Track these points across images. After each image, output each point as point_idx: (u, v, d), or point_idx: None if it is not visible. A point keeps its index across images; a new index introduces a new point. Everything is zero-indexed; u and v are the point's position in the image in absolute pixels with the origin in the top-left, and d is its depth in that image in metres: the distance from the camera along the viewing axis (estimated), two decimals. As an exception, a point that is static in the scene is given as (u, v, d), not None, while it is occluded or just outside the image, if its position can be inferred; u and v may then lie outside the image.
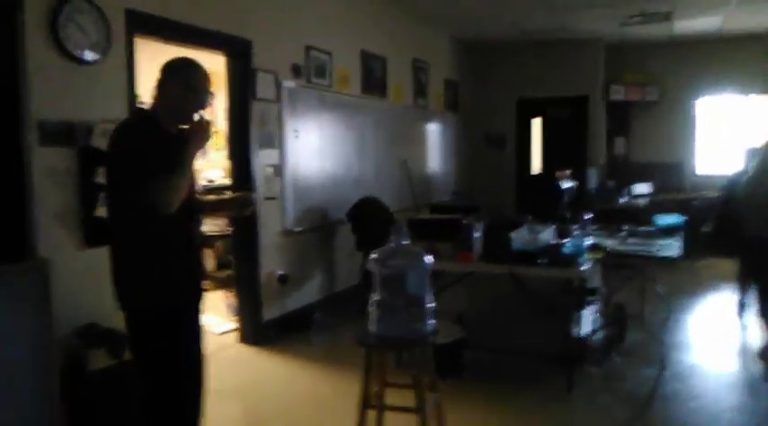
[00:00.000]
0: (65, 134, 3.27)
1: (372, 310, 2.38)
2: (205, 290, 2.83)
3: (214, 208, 2.96)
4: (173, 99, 2.47)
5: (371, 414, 2.55)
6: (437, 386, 2.46)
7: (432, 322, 2.39)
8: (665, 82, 8.78)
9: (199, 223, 2.75)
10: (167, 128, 2.52)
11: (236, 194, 3.24)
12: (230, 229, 5.08)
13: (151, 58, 3.28)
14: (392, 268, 2.37)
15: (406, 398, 2.33)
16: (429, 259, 2.41)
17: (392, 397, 2.53)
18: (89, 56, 3.40)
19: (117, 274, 2.50)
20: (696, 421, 3.31)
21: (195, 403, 2.77)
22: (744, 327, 4.96)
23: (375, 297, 2.37)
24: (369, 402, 2.40)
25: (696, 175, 8.82)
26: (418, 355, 2.37)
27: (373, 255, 2.38)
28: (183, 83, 2.45)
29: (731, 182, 4.63)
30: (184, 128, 2.67)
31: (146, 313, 2.50)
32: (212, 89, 2.55)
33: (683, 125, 8.84)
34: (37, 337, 2.69)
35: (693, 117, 8.83)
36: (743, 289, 5.14)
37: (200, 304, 2.77)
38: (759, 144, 4.32)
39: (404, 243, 2.41)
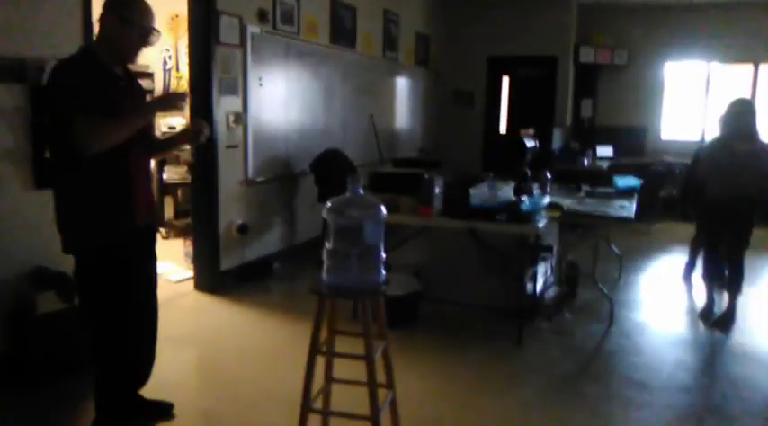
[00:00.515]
0: (15, 70, 3.15)
1: (326, 259, 2.38)
2: (158, 233, 2.80)
3: (168, 144, 2.89)
4: (111, 33, 2.40)
5: (322, 362, 2.59)
6: (385, 334, 2.50)
7: (384, 272, 2.41)
8: (635, 46, 8.82)
9: (148, 160, 2.71)
10: (109, 66, 2.45)
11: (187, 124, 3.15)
12: (190, 177, 5.00)
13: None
14: (347, 218, 2.37)
15: (357, 347, 2.37)
16: (383, 210, 2.41)
17: (345, 346, 2.57)
18: (40, -12, 3.25)
19: (58, 217, 2.47)
20: (637, 374, 3.45)
21: (145, 347, 2.77)
22: (690, 288, 5.15)
23: (328, 246, 2.37)
24: (318, 349, 2.43)
25: (660, 140, 8.95)
26: (369, 305, 2.40)
27: (328, 204, 2.37)
28: (120, 16, 2.38)
29: (699, 148, 4.71)
30: (130, 71, 2.61)
31: (88, 255, 2.47)
32: (154, 24, 2.47)
33: (649, 89, 8.92)
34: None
35: (661, 82, 8.91)
36: (694, 253, 5.30)
37: (150, 246, 2.74)
38: (722, 110, 4.38)
39: (359, 193, 2.41)
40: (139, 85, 2.73)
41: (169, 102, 2.68)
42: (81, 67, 2.39)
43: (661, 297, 4.93)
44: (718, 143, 4.35)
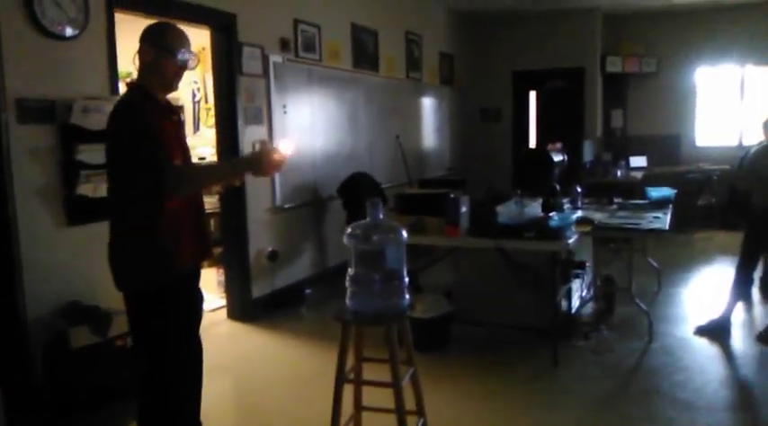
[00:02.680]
0: (44, 111, 3.24)
1: (349, 285, 2.36)
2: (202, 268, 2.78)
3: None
4: (152, 64, 2.38)
5: (351, 389, 2.56)
6: (413, 360, 2.46)
7: (407, 296, 2.37)
8: (663, 52, 8.66)
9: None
10: (157, 98, 2.42)
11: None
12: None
13: (134, 34, 3.22)
14: (368, 243, 2.35)
15: (387, 373, 2.33)
16: (405, 233, 2.39)
17: (375, 372, 2.54)
18: (67, 31, 3.35)
19: (119, 253, 2.38)
20: (681, 393, 3.31)
21: (197, 381, 2.70)
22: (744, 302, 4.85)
23: (351, 272, 2.35)
24: (346, 376, 2.40)
25: (696, 147, 8.74)
26: (395, 329, 2.36)
27: (348, 230, 2.36)
28: (157, 45, 2.37)
29: (745, 154, 4.51)
30: (171, 105, 2.59)
31: (150, 290, 2.38)
32: (190, 49, 2.44)
33: (681, 96, 8.73)
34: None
35: (693, 88, 8.71)
36: (748, 263, 4.95)
37: (198, 282, 2.68)
38: (764, 116, 4.22)
39: (379, 217, 2.39)
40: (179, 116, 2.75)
41: (265, 165, 2.39)
42: (142, 106, 2.35)
43: (703, 311, 4.75)
44: (761, 151, 4.18)
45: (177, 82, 2.49)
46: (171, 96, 2.63)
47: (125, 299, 2.47)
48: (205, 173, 2.36)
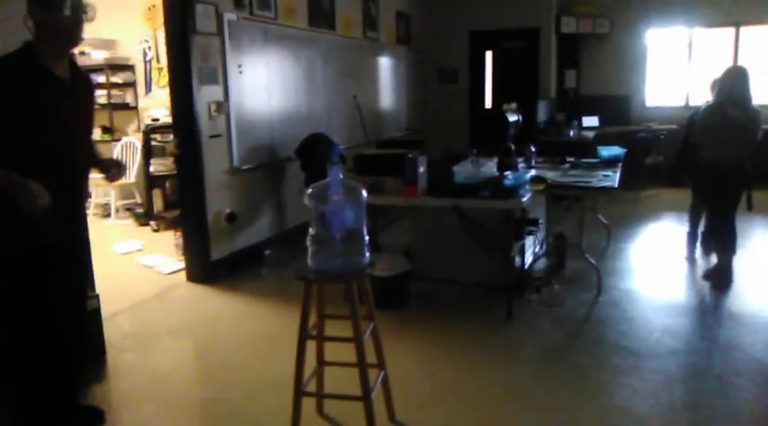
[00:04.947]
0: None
1: (310, 245, 2.41)
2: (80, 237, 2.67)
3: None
4: (41, 24, 2.18)
5: (313, 346, 2.64)
6: (374, 315, 2.54)
7: (368, 254, 2.43)
8: (616, 14, 8.79)
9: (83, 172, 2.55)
10: (47, 65, 2.24)
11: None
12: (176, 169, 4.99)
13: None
14: (329, 203, 2.39)
15: (348, 329, 2.41)
16: (365, 192, 2.44)
17: (337, 329, 2.61)
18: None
19: None
20: (626, 341, 3.51)
21: (68, 363, 2.57)
22: (690, 256, 5.18)
23: (312, 231, 2.39)
24: (308, 333, 2.47)
25: (645, 107, 8.98)
26: (356, 287, 2.43)
27: (308, 191, 2.39)
28: (41, 2, 2.15)
29: (694, 113, 4.77)
30: (79, 67, 2.42)
31: (12, 253, 2.28)
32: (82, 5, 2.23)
33: (632, 57, 8.92)
34: None
35: (644, 49, 8.90)
36: (695, 219, 5.30)
37: (77, 253, 2.61)
38: (718, 74, 4.43)
39: (339, 177, 2.42)
40: (88, 84, 2.56)
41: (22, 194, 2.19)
42: (17, 68, 2.18)
43: (649, 265, 4.99)
44: (711, 108, 4.38)
45: (75, 39, 2.28)
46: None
47: None
48: None
